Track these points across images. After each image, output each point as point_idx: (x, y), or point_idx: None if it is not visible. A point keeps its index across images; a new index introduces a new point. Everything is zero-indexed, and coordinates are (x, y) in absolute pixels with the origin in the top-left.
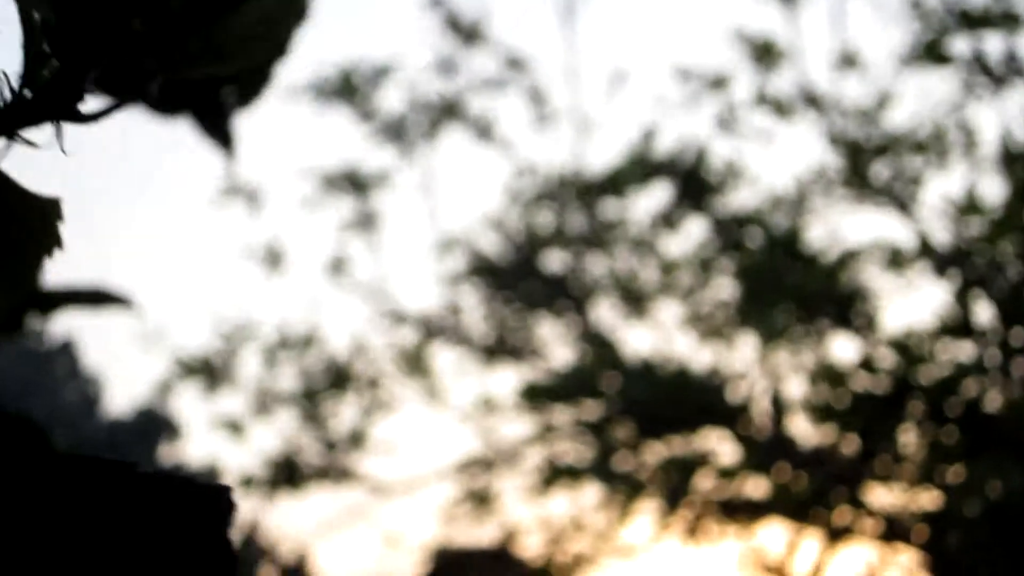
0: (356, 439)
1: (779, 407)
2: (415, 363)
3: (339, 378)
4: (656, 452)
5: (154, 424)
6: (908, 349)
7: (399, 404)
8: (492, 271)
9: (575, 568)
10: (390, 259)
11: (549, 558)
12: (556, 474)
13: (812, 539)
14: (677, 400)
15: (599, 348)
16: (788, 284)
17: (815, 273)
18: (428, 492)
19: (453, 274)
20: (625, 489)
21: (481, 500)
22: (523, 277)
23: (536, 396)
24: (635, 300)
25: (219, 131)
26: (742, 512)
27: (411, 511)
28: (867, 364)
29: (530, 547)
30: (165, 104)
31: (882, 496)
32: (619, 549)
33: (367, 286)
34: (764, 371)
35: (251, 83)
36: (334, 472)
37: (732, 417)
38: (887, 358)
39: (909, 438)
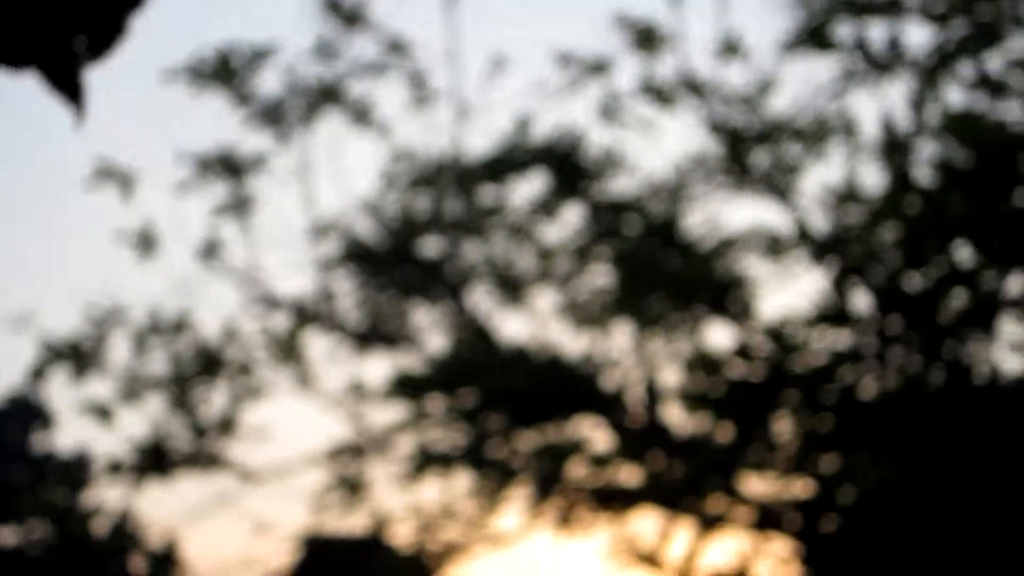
0: (226, 425)
1: (654, 395)
2: (288, 350)
3: (210, 364)
4: (529, 440)
5: (26, 411)
6: (784, 337)
7: (270, 391)
8: (367, 256)
9: (446, 556)
10: (264, 244)
11: (420, 546)
12: (428, 461)
13: (685, 528)
14: (550, 388)
15: (473, 337)
16: (665, 272)
17: (692, 260)
18: (298, 479)
19: (327, 259)
20: (497, 476)
21: (352, 488)
22: (398, 263)
23: (408, 386)
24: (511, 287)
25: (68, 85)
26: (615, 500)
27: (281, 498)
28: (743, 352)
29: (402, 535)
30: (11, 55)
31: (756, 485)
32: (491, 537)
33: (240, 271)
34: (639, 359)
35: (103, 34)
36: (203, 459)
37: (606, 405)
38: (763, 346)
39: (784, 427)
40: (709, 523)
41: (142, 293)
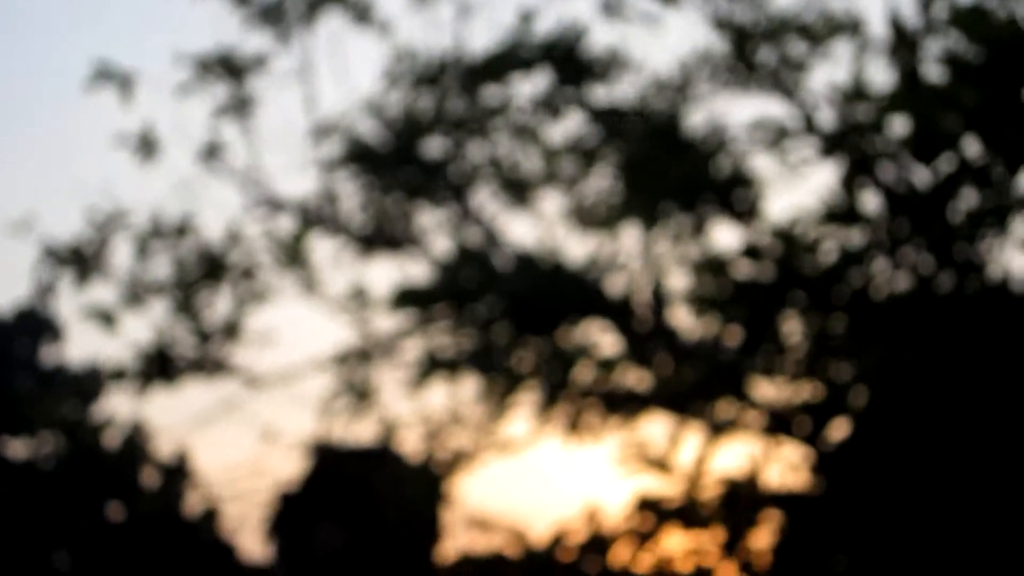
0: (231, 330)
1: (660, 299)
2: (293, 254)
3: (213, 268)
4: (536, 347)
5: (35, 324)
6: (792, 237)
7: (275, 295)
8: (370, 157)
9: (455, 464)
10: (265, 146)
11: (429, 454)
12: (433, 367)
13: (694, 433)
14: (556, 294)
15: (477, 243)
16: (670, 172)
17: (697, 159)
18: (304, 385)
19: (330, 161)
20: (504, 382)
21: (360, 394)
22: (402, 163)
23: (411, 299)
24: (516, 189)
25: None
26: (624, 405)
27: (288, 405)
28: (750, 252)
29: (410, 442)
30: None
31: (767, 389)
32: (500, 444)
33: (242, 173)
34: (645, 262)
35: None
36: (208, 364)
37: (613, 309)
38: (771, 246)
39: (793, 328)
40: (718, 428)
41: (144, 197)
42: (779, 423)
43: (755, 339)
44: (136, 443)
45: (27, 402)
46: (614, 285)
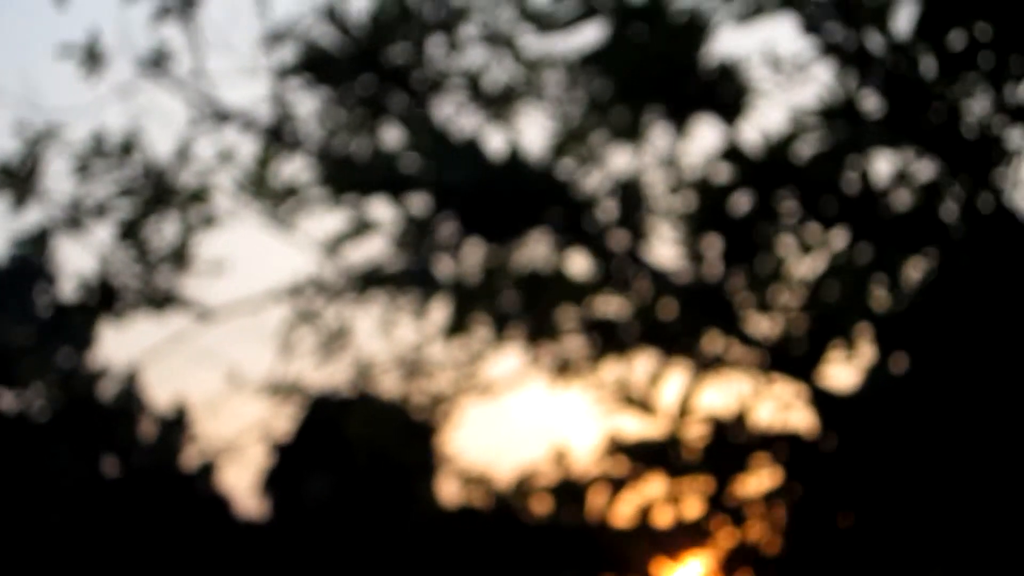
0: (180, 259)
1: (638, 209)
2: (256, 180)
3: (161, 190)
4: (492, 256)
5: (28, 269)
6: (783, 136)
7: (229, 220)
8: (327, 65)
9: (434, 408)
10: (214, 54)
11: (407, 398)
12: (372, 279)
13: (679, 370)
14: (514, 187)
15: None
16: (652, 57)
17: (679, 44)
18: (265, 319)
19: (284, 69)
20: (459, 301)
21: (329, 333)
22: (362, 70)
23: (349, 184)
24: (488, 101)
25: None
26: (602, 338)
27: (249, 341)
28: (733, 153)
29: (387, 386)
30: None
31: (757, 322)
32: (480, 386)
33: (190, 84)
34: (619, 170)
35: None
36: (157, 296)
37: (579, 218)
38: (758, 145)
39: (785, 245)
40: (705, 364)
41: (83, 112)
42: (773, 358)
43: (741, 257)
44: (132, 394)
45: (20, 352)
46: (581, 188)
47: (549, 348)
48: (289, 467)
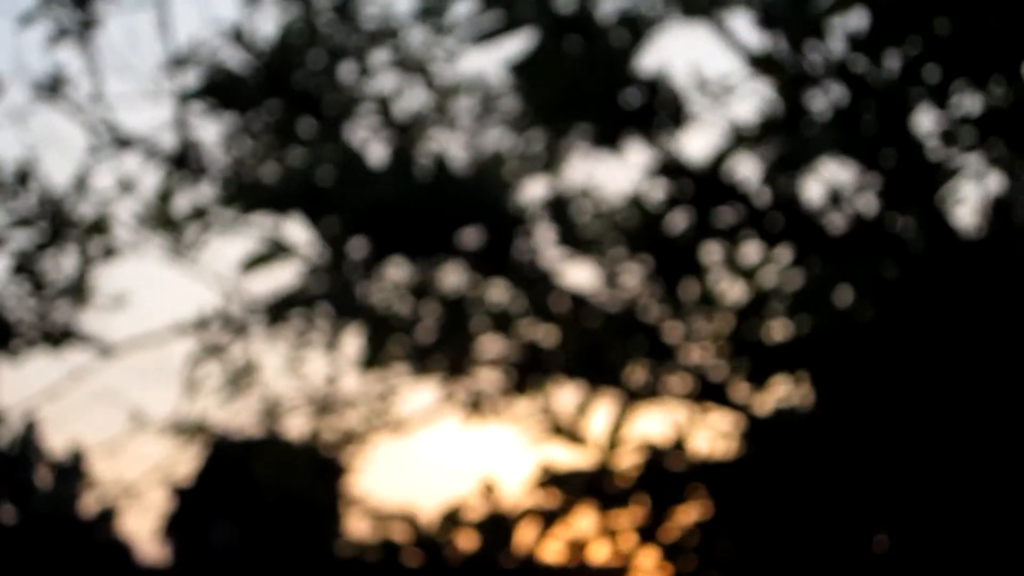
0: (78, 292)
1: (562, 229)
2: (159, 214)
3: (59, 222)
4: (409, 277)
5: None
6: (721, 151)
7: (131, 251)
8: (233, 90)
9: (345, 446)
10: (114, 80)
11: (315, 436)
12: (284, 306)
13: (609, 399)
14: (435, 201)
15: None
16: (580, 68)
17: (610, 55)
18: (168, 355)
19: (188, 93)
20: (370, 329)
21: (236, 370)
22: (271, 95)
23: (255, 202)
24: (401, 128)
25: None
26: (525, 371)
27: (152, 379)
28: (669, 167)
29: (295, 425)
30: None
31: (693, 351)
32: (392, 424)
33: (89, 110)
34: (548, 188)
35: None
36: (55, 332)
37: (500, 232)
38: (695, 163)
39: (722, 265)
40: (636, 393)
41: None
42: (707, 388)
43: (675, 280)
44: (29, 440)
45: None
46: (505, 202)
47: (465, 383)
48: (192, 511)
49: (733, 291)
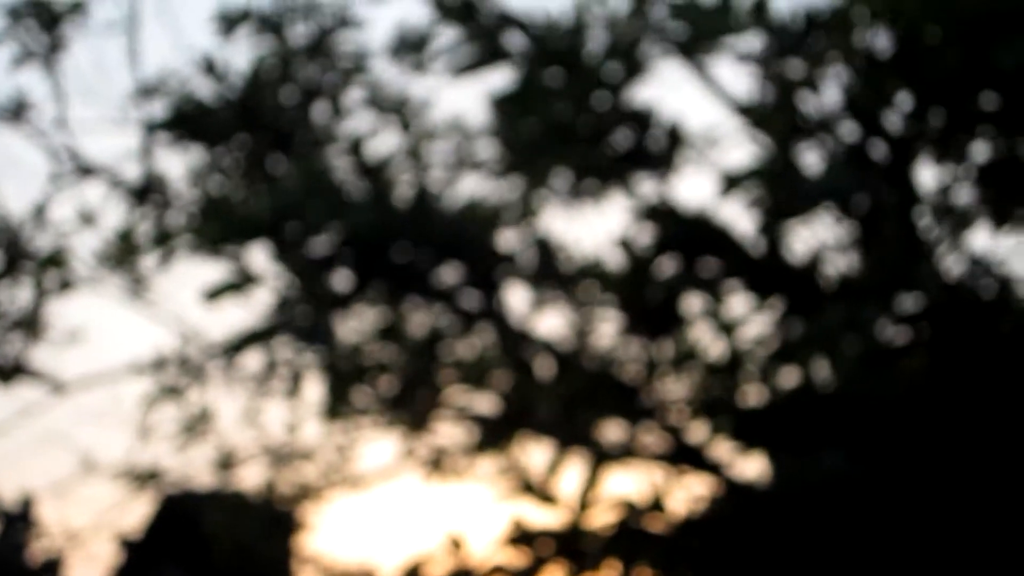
0: (31, 326)
1: (545, 272)
2: (120, 253)
3: (15, 254)
4: (378, 315)
5: None
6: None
7: (88, 286)
8: (203, 121)
9: (301, 500)
10: (80, 106)
11: (271, 489)
12: (248, 340)
13: (581, 457)
14: (413, 232)
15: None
16: (567, 102)
17: (599, 90)
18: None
19: (156, 124)
20: (333, 373)
21: (191, 417)
22: (242, 128)
23: (230, 229)
24: (371, 170)
25: None
26: (492, 427)
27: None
28: (659, 210)
29: (250, 477)
30: None
31: (669, 406)
32: (351, 479)
33: (52, 135)
34: (526, 227)
35: None
36: (5, 366)
37: (485, 268)
38: (685, 207)
39: (706, 317)
40: (609, 453)
41: None
42: (684, 449)
43: (660, 330)
44: None
45: None
46: (491, 237)
47: (426, 439)
48: (140, 563)
49: (714, 348)
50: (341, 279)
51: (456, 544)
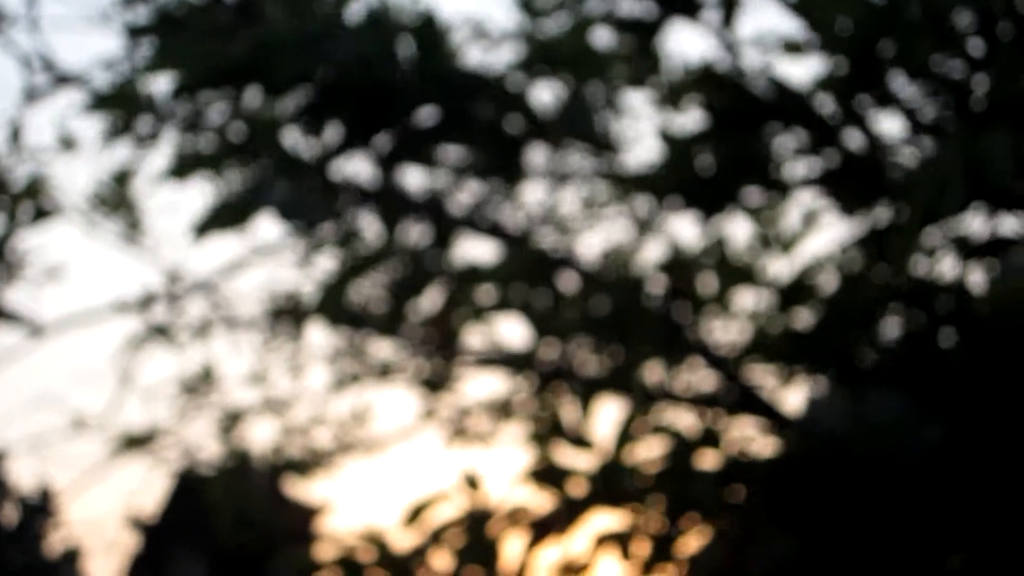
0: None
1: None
2: (116, 197)
3: None
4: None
5: None
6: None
7: (66, 216)
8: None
9: (311, 467)
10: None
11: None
12: (222, 212)
13: (621, 400)
14: (420, 75)
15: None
16: None
17: None
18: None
19: (137, 29)
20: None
21: (198, 379)
22: (237, 30)
23: (218, 77)
24: None
25: None
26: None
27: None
28: (709, 75)
29: (260, 442)
30: None
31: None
32: (365, 443)
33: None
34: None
35: None
36: None
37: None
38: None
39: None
40: (650, 395)
41: None
42: (735, 390)
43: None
44: None
45: None
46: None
47: (446, 400)
48: (158, 549)
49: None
50: (331, 134)
51: (472, 482)
